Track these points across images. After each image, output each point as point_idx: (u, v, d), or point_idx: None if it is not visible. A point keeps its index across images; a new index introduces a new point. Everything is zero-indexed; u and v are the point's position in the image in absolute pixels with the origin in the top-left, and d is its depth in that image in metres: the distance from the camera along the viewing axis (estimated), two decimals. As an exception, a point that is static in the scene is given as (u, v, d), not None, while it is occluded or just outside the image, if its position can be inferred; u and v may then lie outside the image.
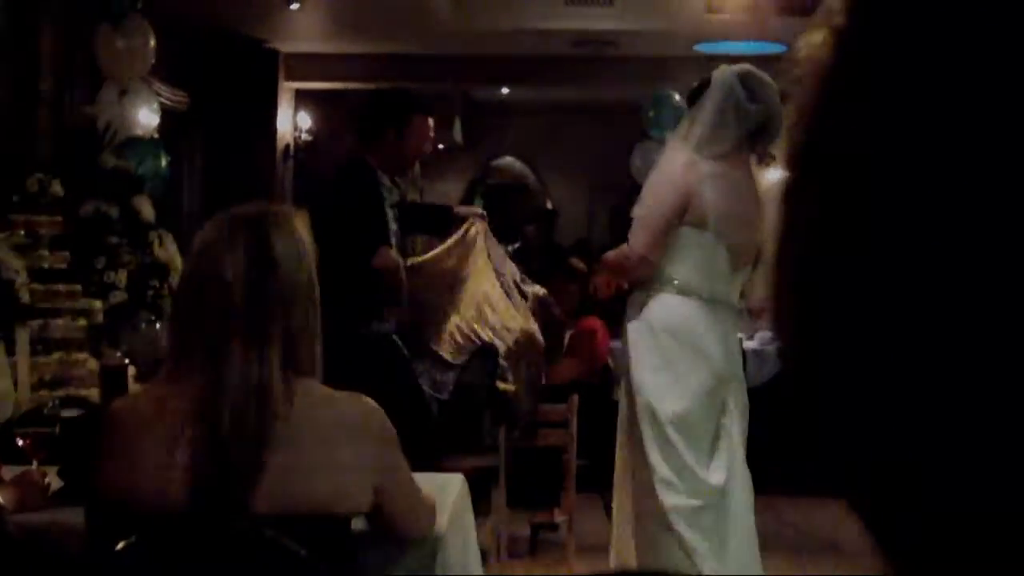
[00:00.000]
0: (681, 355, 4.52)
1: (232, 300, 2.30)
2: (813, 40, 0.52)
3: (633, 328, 4.64)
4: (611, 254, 4.91)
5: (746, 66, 4.78)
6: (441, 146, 15.01)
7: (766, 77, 4.72)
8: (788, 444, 0.50)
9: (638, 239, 4.61)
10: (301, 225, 2.46)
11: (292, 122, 12.45)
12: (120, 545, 2.22)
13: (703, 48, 10.52)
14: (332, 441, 2.35)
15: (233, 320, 2.30)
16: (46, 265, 5.15)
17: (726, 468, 4.60)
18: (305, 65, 11.81)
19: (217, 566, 2.31)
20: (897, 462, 0.46)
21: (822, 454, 0.51)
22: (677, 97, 10.73)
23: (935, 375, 0.44)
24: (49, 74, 6.98)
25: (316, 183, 5.67)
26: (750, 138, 4.67)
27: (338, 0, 9.93)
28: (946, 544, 0.46)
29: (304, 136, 12.68)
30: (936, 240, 0.44)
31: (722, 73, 4.71)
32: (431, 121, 5.67)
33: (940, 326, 0.44)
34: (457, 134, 14.23)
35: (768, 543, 7.13)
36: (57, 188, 5.68)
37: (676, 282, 4.57)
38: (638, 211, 4.71)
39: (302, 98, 12.62)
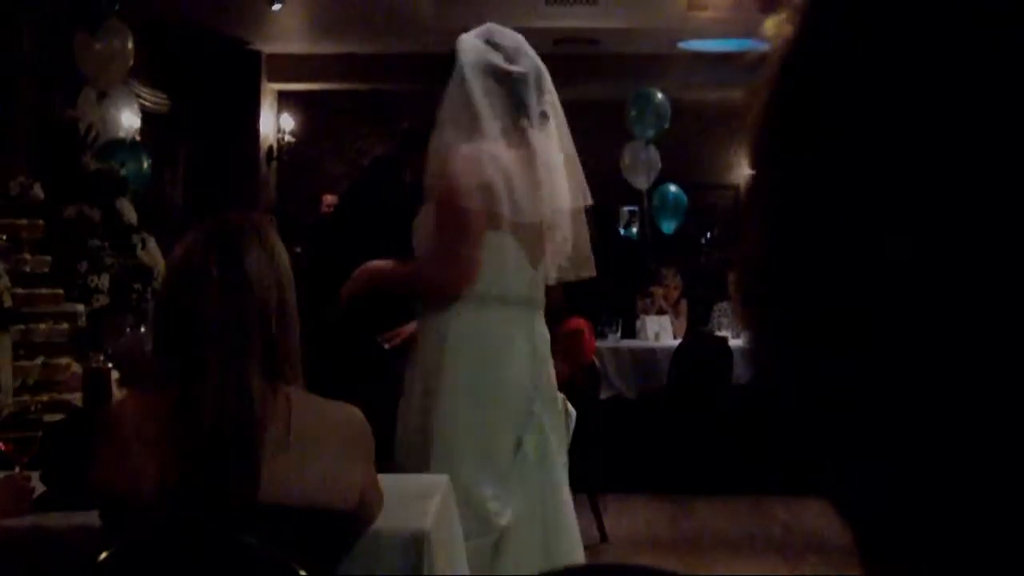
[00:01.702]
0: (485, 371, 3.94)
1: (207, 313, 2.35)
2: (777, 21, 0.52)
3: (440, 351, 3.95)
4: (413, 267, 4.04)
5: (488, 25, 4.19)
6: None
7: (510, 31, 4.16)
8: (774, 443, 0.50)
9: (464, 245, 3.90)
10: (273, 234, 2.49)
11: (275, 123, 12.44)
12: (103, 556, 2.24)
13: (686, 46, 10.55)
14: (322, 447, 2.42)
15: (210, 331, 2.35)
16: (28, 269, 5.12)
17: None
18: (287, 66, 11.80)
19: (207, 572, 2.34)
20: (877, 457, 0.46)
21: (800, 453, 0.50)
22: (660, 95, 10.75)
23: (911, 369, 0.44)
24: (30, 77, 6.96)
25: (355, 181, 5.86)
26: (520, 104, 4.03)
27: (320, 1, 9.92)
28: (929, 543, 0.45)
29: (287, 137, 12.67)
30: (904, 229, 0.44)
31: (466, 42, 4.08)
32: None
33: (909, 319, 0.44)
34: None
35: (756, 542, 7.17)
36: (39, 191, 5.65)
37: (476, 289, 3.94)
38: (443, 215, 3.95)
39: (285, 99, 12.61)
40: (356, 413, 2.53)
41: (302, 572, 2.27)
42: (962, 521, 0.44)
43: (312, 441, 2.41)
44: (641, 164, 10.89)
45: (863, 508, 0.48)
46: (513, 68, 4.02)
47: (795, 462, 0.50)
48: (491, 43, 4.08)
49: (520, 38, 4.14)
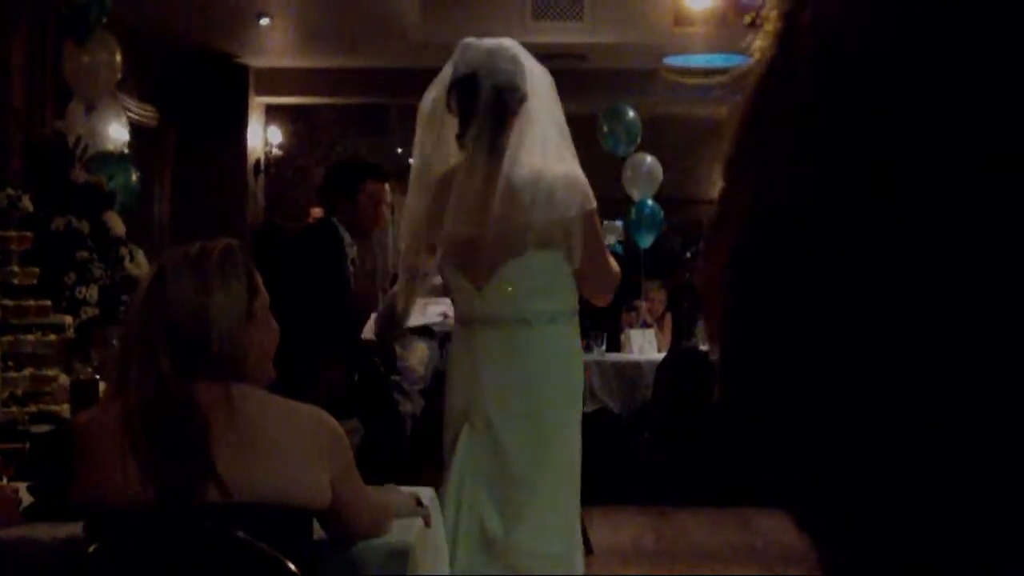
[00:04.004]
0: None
1: (130, 326, 2.56)
2: (757, 44, 0.53)
3: None
4: None
5: (468, 40, 4.06)
6: (412, 161, 15.02)
7: (484, 42, 4.01)
8: (738, 456, 0.50)
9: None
10: (240, 254, 2.65)
11: (262, 137, 12.45)
12: (91, 548, 2.30)
13: (672, 61, 10.59)
14: (287, 440, 2.53)
15: (132, 342, 2.54)
16: (16, 281, 5.14)
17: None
18: (275, 80, 11.82)
19: (187, 568, 2.42)
20: (837, 472, 0.46)
21: (761, 465, 0.51)
22: (631, 113, 10.78)
23: (877, 380, 0.44)
24: (19, 90, 6.97)
25: (284, 241, 6.59)
26: (484, 122, 3.88)
27: (308, 15, 9.95)
28: (887, 557, 0.46)
29: (274, 151, 12.68)
30: (877, 236, 0.44)
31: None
32: (386, 186, 6.06)
33: (881, 329, 0.44)
34: (428, 148, 14.22)
35: (740, 554, 7.18)
36: (27, 203, 5.67)
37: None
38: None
39: (272, 113, 12.62)
40: (321, 414, 2.62)
41: (291, 565, 2.33)
42: (916, 529, 0.44)
43: (271, 439, 2.51)
44: (643, 177, 10.90)
45: (820, 518, 0.49)
46: (455, 76, 3.92)
47: (758, 474, 0.51)
48: (456, 56, 4.00)
49: (481, 45, 3.99)
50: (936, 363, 0.43)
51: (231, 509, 2.43)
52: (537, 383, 3.90)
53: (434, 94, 4.01)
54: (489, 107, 3.87)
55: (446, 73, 3.98)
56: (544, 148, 3.93)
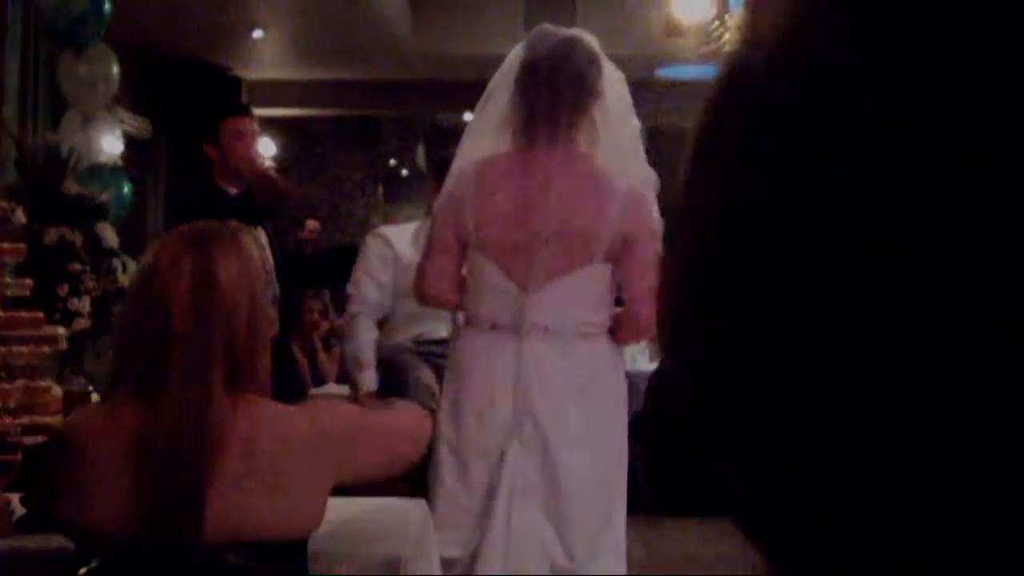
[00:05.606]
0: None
1: (173, 322, 2.31)
2: (727, 38, 0.51)
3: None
4: None
5: (544, 26, 3.82)
6: (405, 172, 15.04)
7: (560, 30, 3.76)
8: (684, 465, 0.51)
9: (426, 260, 3.81)
10: (249, 242, 2.49)
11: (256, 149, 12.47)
12: (82, 571, 2.27)
13: (664, 72, 10.62)
14: (283, 457, 2.36)
15: (174, 341, 2.30)
16: (9, 292, 5.14)
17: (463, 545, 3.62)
18: (268, 92, 11.84)
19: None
20: (793, 484, 0.45)
21: (709, 475, 0.50)
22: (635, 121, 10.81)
23: (839, 391, 0.43)
24: (13, 101, 6.98)
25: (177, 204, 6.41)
26: (552, 111, 3.63)
27: (300, 27, 9.98)
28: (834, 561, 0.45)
29: (268, 163, 12.70)
30: (847, 236, 0.42)
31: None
32: (248, 120, 6.01)
33: (847, 334, 0.42)
34: (420, 159, 14.29)
35: (729, 563, 7.18)
36: (20, 215, 5.67)
37: (463, 313, 3.77)
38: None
39: (266, 125, 12.63)
40: (318, 420, 2.46)
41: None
42: (872, 542, 0.43)
43: (272, 460, 2.35)
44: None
45: (770, 531, 0.48)
46: (536, 70, 3.66)
47: (707, 484, 0.50)
48: (527, 42, 3.76)
49: (560, 33, 3.76)
50: (914, 372, 0.41)
51: (222, 540, 2.31)
52: (595, 400, 3.74)
53: (498, 77, 3.80)
54: (565, 94, 3.64)
55: (515, 55, 3.76)
56: (618, 153, 3.77)
